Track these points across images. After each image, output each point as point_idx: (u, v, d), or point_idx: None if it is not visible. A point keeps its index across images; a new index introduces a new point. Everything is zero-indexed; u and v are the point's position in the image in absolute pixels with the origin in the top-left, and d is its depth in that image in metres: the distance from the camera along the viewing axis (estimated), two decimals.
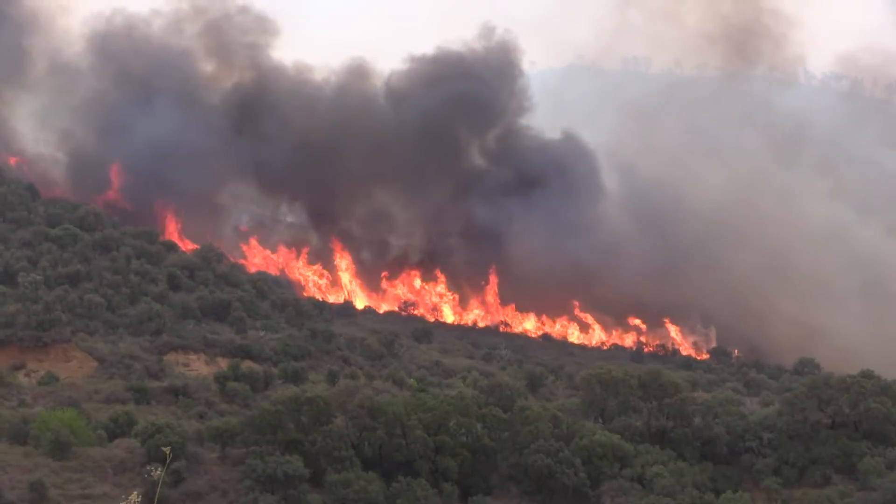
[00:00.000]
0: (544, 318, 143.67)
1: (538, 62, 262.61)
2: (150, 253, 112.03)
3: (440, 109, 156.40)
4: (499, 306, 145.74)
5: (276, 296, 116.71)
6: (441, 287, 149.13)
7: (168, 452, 11.82)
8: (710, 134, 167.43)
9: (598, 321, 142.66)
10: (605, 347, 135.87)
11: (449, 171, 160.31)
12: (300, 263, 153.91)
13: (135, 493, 9.45)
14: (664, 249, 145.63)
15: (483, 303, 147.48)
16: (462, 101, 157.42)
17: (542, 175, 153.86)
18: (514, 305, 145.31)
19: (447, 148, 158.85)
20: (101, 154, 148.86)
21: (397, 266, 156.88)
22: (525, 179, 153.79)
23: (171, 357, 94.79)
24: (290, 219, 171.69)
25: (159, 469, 10.48)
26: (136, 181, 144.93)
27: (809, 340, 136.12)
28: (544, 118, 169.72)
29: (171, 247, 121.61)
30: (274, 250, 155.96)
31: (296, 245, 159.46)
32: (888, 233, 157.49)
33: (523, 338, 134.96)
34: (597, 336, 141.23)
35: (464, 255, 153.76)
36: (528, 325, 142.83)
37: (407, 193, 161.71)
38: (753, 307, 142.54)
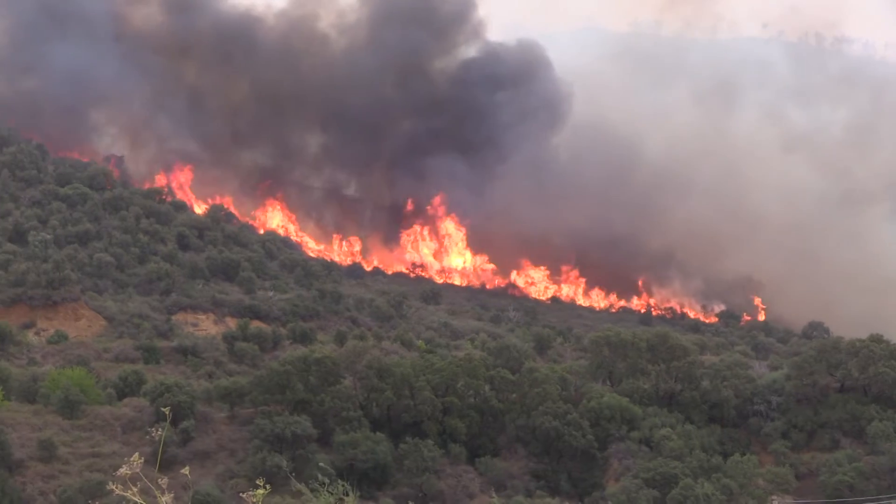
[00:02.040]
0: (543, 272, 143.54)
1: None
2: (159, 213, 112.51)
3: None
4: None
5: (286, 256, 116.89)
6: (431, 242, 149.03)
7: (168, 413, 11.62)
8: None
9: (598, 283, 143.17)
10: (613, 310, 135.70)
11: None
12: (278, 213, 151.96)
13: (136, 454, 9.24)
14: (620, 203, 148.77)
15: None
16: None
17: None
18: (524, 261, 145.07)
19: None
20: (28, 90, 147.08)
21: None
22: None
23: (179, 317, 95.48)
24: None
25: (160, 430, 10.21)
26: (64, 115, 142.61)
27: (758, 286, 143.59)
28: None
29: (181, 207, 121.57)
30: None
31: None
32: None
33: (532, 300, 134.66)
34: (567, 292, 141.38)
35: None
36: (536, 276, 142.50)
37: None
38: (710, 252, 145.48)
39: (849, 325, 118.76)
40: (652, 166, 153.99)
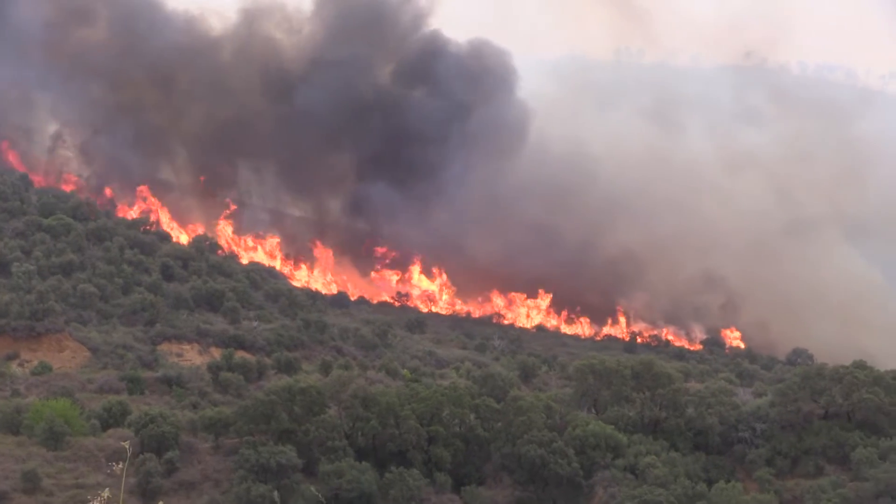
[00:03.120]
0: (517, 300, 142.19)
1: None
2: (143, 243, 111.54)
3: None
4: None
5: (270, 286, 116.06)
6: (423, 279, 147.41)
7: (127, 446, 11.75)
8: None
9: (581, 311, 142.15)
10: (598, 338, 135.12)
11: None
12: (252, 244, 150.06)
13: (106, 490, 9.29)
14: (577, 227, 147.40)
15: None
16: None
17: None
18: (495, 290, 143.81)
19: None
20: None
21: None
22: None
23: (164, 347, 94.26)
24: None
25: (121, 464, 10.28)
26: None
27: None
28: None
29: (165, 237, 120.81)
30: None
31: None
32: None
33: (517, 329, 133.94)
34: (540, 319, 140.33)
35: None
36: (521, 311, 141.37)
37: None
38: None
39: (816, 349, 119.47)
40: (605, 188, 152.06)
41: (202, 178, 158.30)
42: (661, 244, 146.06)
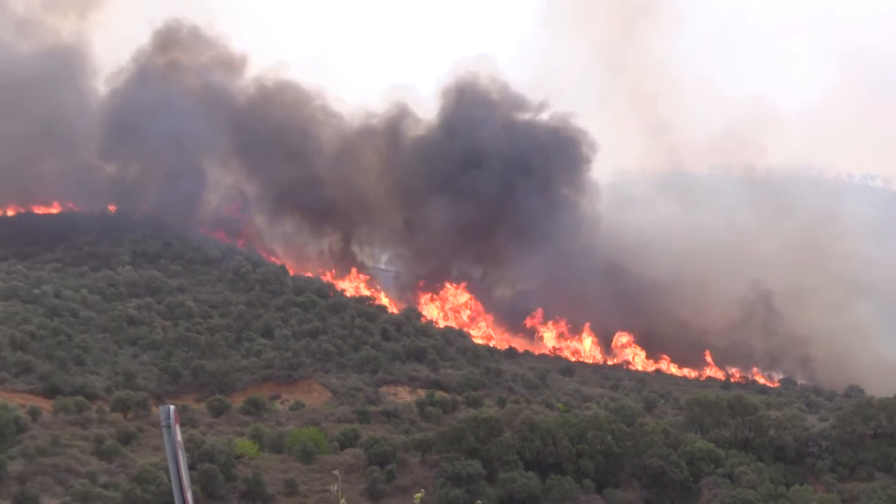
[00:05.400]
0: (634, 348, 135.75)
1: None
2: (368, 313, 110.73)
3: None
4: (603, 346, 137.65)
5: (459, 343, 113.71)
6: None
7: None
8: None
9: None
10: (702, 378, 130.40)
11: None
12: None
13: (334, 486, 10.16)
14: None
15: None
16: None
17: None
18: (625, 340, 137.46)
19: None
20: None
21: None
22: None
23: (384, 389, 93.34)
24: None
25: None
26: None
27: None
28: None
29: (383, 309, 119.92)
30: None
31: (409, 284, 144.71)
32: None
33: (640, 373, 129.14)
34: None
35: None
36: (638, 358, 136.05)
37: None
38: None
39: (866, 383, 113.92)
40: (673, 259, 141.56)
41: (421, 283, 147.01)
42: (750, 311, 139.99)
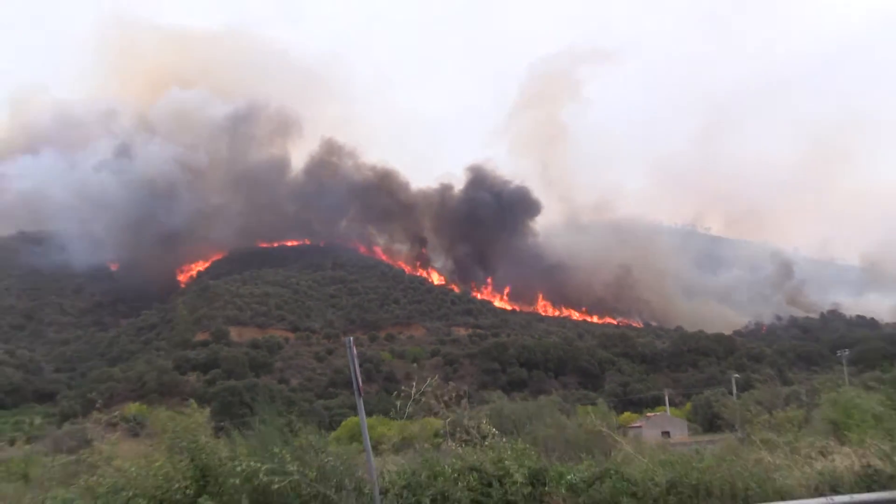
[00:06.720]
0: None
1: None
2: (446, 292, 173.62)
3: None
4: None
5: (490, 307, 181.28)
6: None
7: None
8: None
9: None
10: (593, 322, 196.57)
11: None
12: None
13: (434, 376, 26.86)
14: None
15: None
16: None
17: None
18: None
19: None
20: None
21: None
22: None
23: (454, 328, 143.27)
24: None
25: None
26: None
27: None
28: None
29: (451, 289, 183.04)
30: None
31: None
32: None
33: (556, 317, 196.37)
34: None
35: None
36: None
37: None
38: None
39: None
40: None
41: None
42: None
